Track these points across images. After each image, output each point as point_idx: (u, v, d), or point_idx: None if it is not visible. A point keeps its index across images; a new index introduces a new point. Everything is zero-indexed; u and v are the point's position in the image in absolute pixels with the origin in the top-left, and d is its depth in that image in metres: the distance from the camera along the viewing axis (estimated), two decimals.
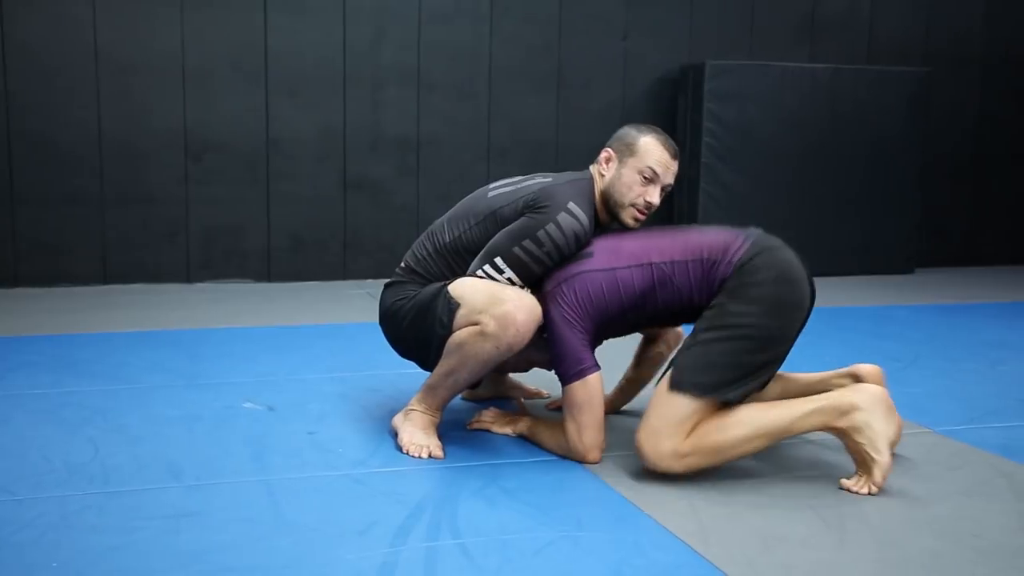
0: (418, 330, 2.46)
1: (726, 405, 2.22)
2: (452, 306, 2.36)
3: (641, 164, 2.45)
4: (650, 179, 2.45)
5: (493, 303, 2.29)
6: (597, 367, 2.35)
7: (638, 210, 2.47)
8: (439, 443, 2.43)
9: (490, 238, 2.44)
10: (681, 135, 5.83)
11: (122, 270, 5.19)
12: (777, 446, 2.51)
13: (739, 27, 6.05)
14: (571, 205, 2.39)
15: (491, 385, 2.97)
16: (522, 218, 2.41)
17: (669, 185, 2.49)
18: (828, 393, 2.25)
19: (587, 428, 2.34)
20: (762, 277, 2.25)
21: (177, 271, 5.28)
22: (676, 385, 2.21)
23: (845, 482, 2.19)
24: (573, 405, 2.34)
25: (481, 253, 2.44)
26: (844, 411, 2.17)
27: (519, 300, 2.29)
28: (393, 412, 2.75)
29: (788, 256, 2.32)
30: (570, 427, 2.35)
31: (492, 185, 2.59)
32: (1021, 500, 2.14)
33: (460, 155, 5.67)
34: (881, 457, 2.14)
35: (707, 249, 2.31)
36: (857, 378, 2.51)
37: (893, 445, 2.22)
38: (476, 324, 2.31)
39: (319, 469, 2.28)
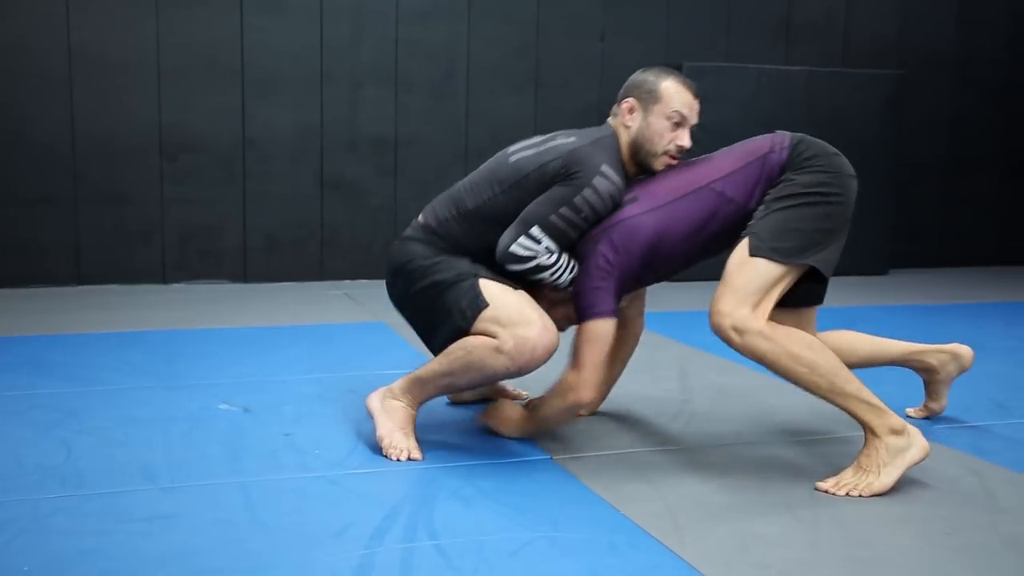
0: (433, 304, 2.40)
1: (805, 272, 2.26)
2: (480, 303, 2.32)
3: (668, 109, 2.43)
4: (679, 123, 2.44)
5: (520, 323, 2.28)
6: (615, 316, 2.35)
7: (671, 156, 2.45)
8: (417, 444, 2.42)
9: (518, 206, 2.39)
10: None
11: (96, 270, 5.15)
12: (752, 446, 2.53)
13: (716, 29, 6.08)
14: (604, 168, 2.35)
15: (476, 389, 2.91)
16: (556, 186, 2.36)
17: (694, 126, 2.48)
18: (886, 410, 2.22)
19: (588, 365, 2.33)
20: (818, 150, 2.34)
21: (152, 272, 5.24)
22: (756, 250, 2.23)
23: (822, 484, 2.21)
24: (581, 342, 2.34)
25: (516, 223, 2.37)
26: (895, 428, 2.18)
27: (543, 330, 2.29)
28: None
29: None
30: (571, 364, 2.34)
31: (512, 148, 2.51)
32: (992, 498, 2.17)
33: (437, 155, 5.67)
34: (888, 478, 2.17)
35: (754, 150, 2.37)
36: (955, 355, 2.71)
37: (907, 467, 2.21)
38: (494, 337, 2.29)
39: (295, 471, 2.27)
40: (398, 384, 2.49)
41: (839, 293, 5.38)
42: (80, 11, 4.96)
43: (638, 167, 2.48)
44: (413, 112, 5.60)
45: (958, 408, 2.92)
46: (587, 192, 2.33)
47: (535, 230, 2.34)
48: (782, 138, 2.39)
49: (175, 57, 5.14)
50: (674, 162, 2.46)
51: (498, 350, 2.28)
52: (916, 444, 2.19)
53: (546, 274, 2.38)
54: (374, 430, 2.44)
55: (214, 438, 2.51)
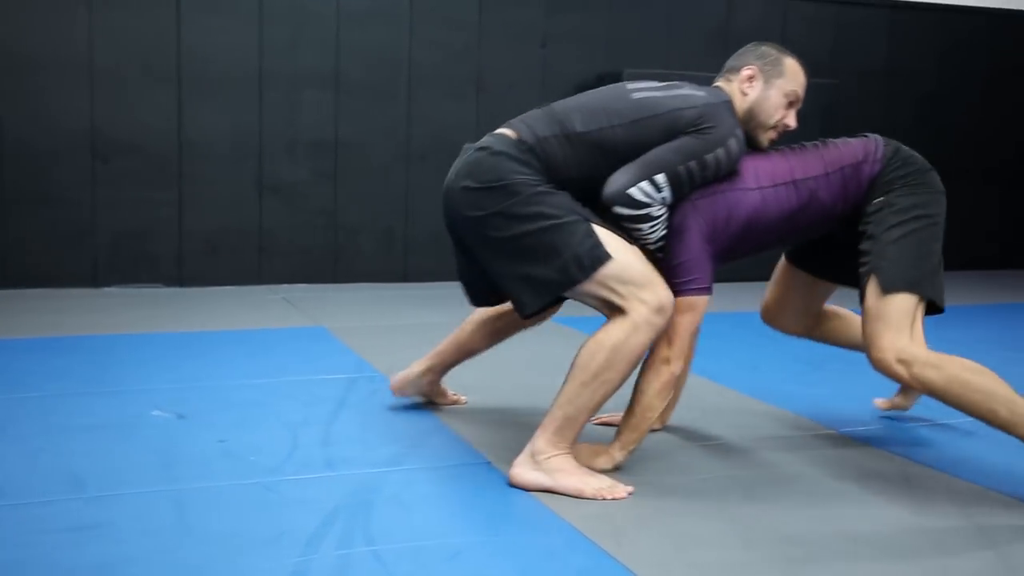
0: (533, 239, 2.15)
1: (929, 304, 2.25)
2: (602, 255, 2.13)
3: (788, 87, 2.40)
4: (792, 103, 2.42)
5: (649, 284, 2.14)
6: (711, 291, 2.29)
7: (777, 132, 2.42)
8: (612, 481, 2.20)
9: (635, 143, 2.22)
10: None
11: (24, 274, 5.00)
12: (689, 448, 2.56)
13: (655, 37, 6.15)
14: (738, 131, 2.27)
15: (414, 383, 2.86)
16: (686, 136, 2.22)
17: (800, 109, 2.46)
18: None
19: (683, 336, 2.24)
20: (917, 166, 2.35)
21: (83, 275, 5.11)
22: (891, 286, 2.21)
23: None
24: (675, 321, 2.22)
25: (638, 164, 2.20)
26: None
27: (668, 289, 2.18)
28: (307, 418, 2.72)
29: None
30: (662, 342, 2.24)
31: (631, 86, 2.36)
32: (918, 498, 2.22)
33: (379, 159, 5.63)
34: None
35: (847, 157, 2.37)
36: None
37: None
38: (616, 305, 2.13)
39: (229, 478, 2.23)
40: (541, 440, 2.21)
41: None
42: (5, 7, 4.83)
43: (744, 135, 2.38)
44: (354, 115, 5.56)
45: (869, 409, 2.99)
46: (720, 151, 2.23)
47: (660, 177, 2.19)
48: (875, 147, 2.39)
49: (108, 56, 5.03)
50: (777, 139, 2.44)
51: (636, 326, 2.12)
52: None
53: (646, 226, 2.23)
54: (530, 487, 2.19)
55: (146, 445, 2.46)
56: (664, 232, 2.28)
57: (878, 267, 2.25)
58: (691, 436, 2.68)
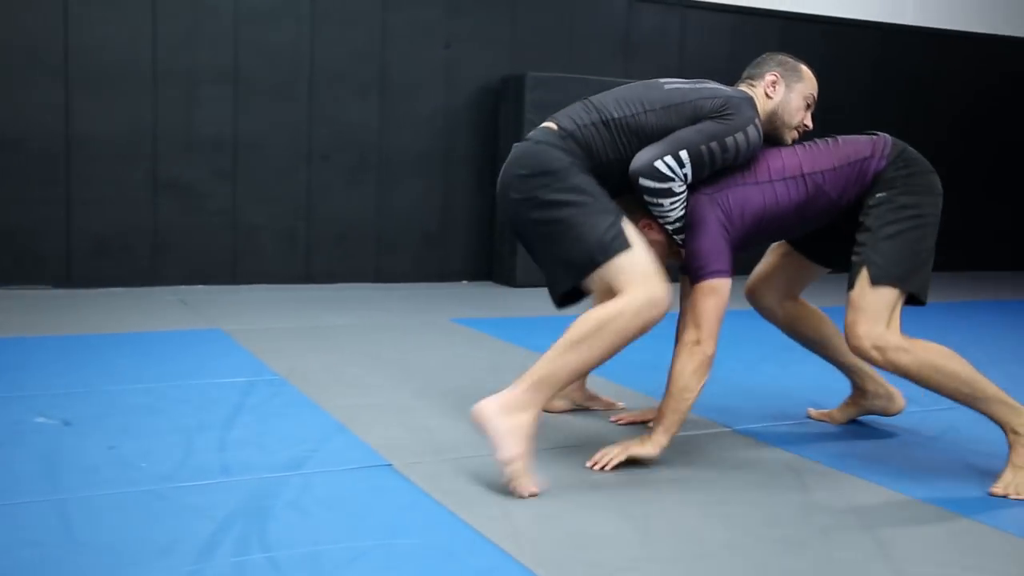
0: (570, 221, 2.33)
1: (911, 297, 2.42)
2: (622, 243, 2.31)
3: (807, 91, 2.63)
4: (809, 105, 2.64)
5: (653, 276, 2.31)
6: (730, 276, 2.43)
7: (798, 132, 2.62)
8: (531, 480, 2.22)
9: (664, 126, 2.42)
10: (503, 144, 5.92)
11: None
12: (589, 448, 2.59)
13: (558, 41, 6.22)
14: (756, 120, 2.47)
15: (569, 396, 2.94)
16: (709, 120, 2.42)
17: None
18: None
19: (710, 319, 2.38)
20: (919, 168, 2.50)
21: None
22: (877, 279, 2.37)
23: (996, 490, 2.30)
24: (699, 297, 2.40)
25: (665, 141, 2.40)
26: None
27: (667, 289, 2.32)
28: (203, 423, 2.66)
29: None
30: (688, 322, 2.41)
31: (663, 80, 2.56)
32: (807, 493, 2.30)
33: (280, 158, 5.54)
34: None
35: (855, 152, 2.52)
36: (890, 396, 2.88)
37: None
38: (619, 289, 2.29)
39: (119, 485, 2.16)
40: (520, 391, 2.24)
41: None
42: None
43: (765, 136, 2.57)
44: (254, 114, 5.45)
45: (780, 409, 3.08)
46: (739, 136, 2.42)
47: (684, 154, 2.38)
48: (883, 144, 2.53)
49: None
50: (797, 137, 2.62)
51: (626, 309, 2.27)
52: None
53: (667, 202, 2.41)
54: (490, 449, 2.21)
55: (28, 453, 2.35)
56: (683, 213, 2.44)
57: (870, 260, 2.41)
58: (590, 435, 2.71)
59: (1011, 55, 7.87)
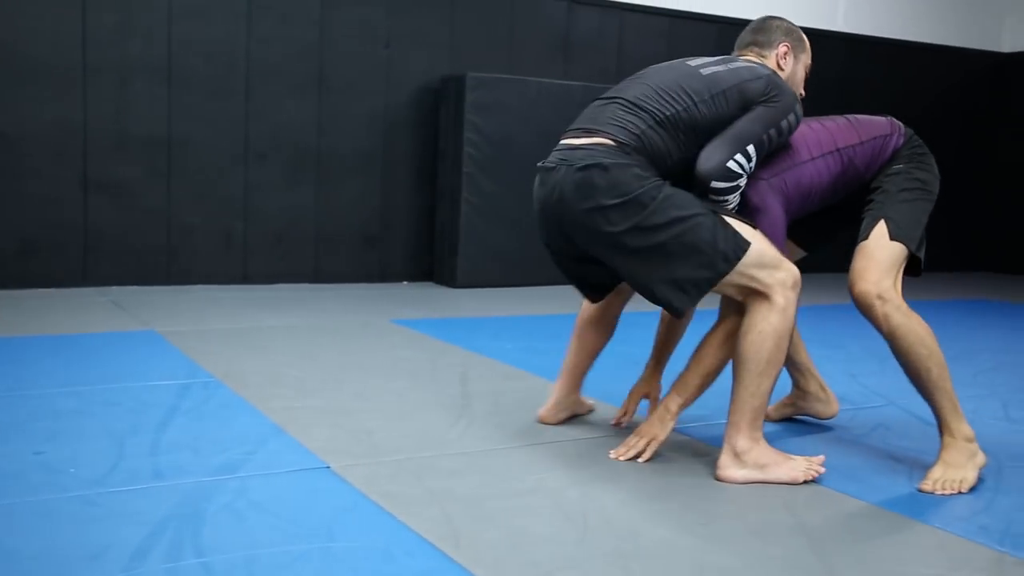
0: (673, 241, 2.25)
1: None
2: (742, 243, 2.28)
3: (807, 60, 2.65)
4: (807, 75, 2.66)
5: (780, 263, 2.32)
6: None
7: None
8: (806, 459, 2.41)
9: (718, 117, 2.36)
10: (443, 145, 5.91)
11: None
12: (529, 448, 2.60)
13: (498, 42, 6.23)
14: (796, 97, 2.46)
15: (570, 408, 2.86)
16: (760, 107, 2.38)
17: None
18: None
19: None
20: (926, 151, 2.57)
21: None
22: (896, 235, 2.41)
23: (925, 487, 2.35)
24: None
25: (727, 139, 2.34)
26: (968, 436, 2.41)
27: (791, 262, 2.36)
28: (135, 426, 2.60)
29: None
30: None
31: (692, 63, 2.48)
32: (740, 487, 2.33)
33: (216, 157, 5.45)
34: (972, 476, 2.37)
35: (878, 128, 2.56)
36: (828, 400, 2.92)
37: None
38: (758, 289, 2.29)
39: (46, 492, 2.10)
40: (742, 439, 2.36)
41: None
42: None
43: None
44: (189, 111, 5.35)
45: (710, 407, 3.13)
46: (791, 118, 2.41)
47: (751, 148, 2.35)
48: (898, 124, 2.60)
49: None
50: None
51: (784, 309, 2.29)
52: (980, 453, 2.42)
53: (732, 197, 2.38)
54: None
55: None
56: (733, 207, 2.42)
57: (889, 216, 2.45)
58: (528, 435, 2.72)
59: (937, 63, 8.11)
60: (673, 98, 2.37)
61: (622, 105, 2.38)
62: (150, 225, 5.30)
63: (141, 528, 1.91)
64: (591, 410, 2.97)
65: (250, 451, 2.46)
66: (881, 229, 2.45)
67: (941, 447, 2.42)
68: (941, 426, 2.43)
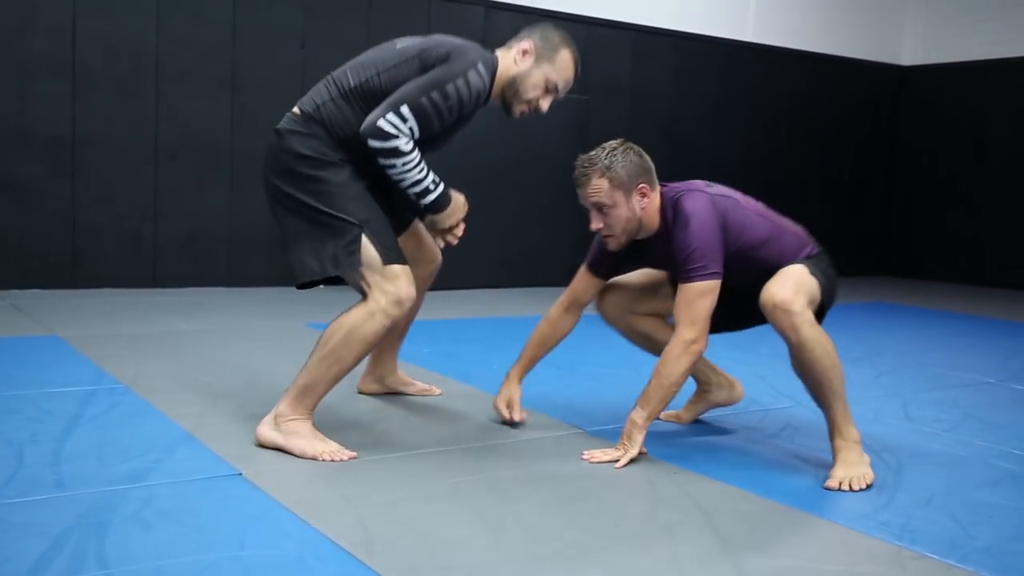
0: (310, 223, 2.47)
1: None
2: (354, 263, 2.41)
3: (554, 75, 2.62)
4: (551, 91, 2.63)
5: (397, 277, 2.42)
6: (721, 276, 2.50)
7: (529, 108, 2.63)
8: (338, 446, 2.47)
9: (396, 84, 2.45)
10: None
11: None
12: (445, 453, 2.59)
13: None
14: (479, 65, 2.48)
15: (379, 380, 3.05)
16: (432, 70, 2.45)
17: (557, 97, 2.69)
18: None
19: (703, 318, 2.47)
20: (833, 269, 2.69)
21: None
22: (812, 273, 2.54)
23: (831, 485, 2.43)
24: (692, 296, 2.47)
25: (386, 101, 2.42)
26: (857, 439, 2.52)
27: (409, 283, 2.44)
28: (36, 435, 2.51)
29: None
30: (682, 321, 2.48)
31: (398, 40, 2.59)
32: (654, 491, 2.37)
33: (124, 157, 5.29)
34: (869, 472, 2.47)
35: (801, 232, 2.69)
36: (731, 385, 3.02)
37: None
38: (364, 293, 2.41)
39: None
40: (284, 405, 2.48)
41: (527, 302, 5.68)
42: None
43: (501, 100, 2.63)
44: (95, 110, 5.19)
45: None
46: (459, 82, 2.44)
47: (404, 109, 2.40)
48: (811, 242, 2.71)
49: None
50: (525, 115, 2.64)
51: (372, 313, 2.40)
52: (866, 454, 2.55)
53: (399, 162, 2.42)
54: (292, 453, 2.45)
55: None
56: (422, 177, 2.47)
57: (806, 264, 2.58)
58: (446, 440, 2.72)
59: (841, 74, 8.39)
60: (360, 71, 2.53)
61: (325, 80, 2.59)
62: (54, 226, 5.12)
63: (41, 540, 1.84)
64: (424, 392, 3.17)
65: (158, 459, 2.39)
66: (800, 266, 2.56)
67: (836, 450, 2.52)
68: (833, 430, 2.53)
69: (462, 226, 2.66)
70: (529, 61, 2.60)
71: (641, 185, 2.57)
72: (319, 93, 2.55)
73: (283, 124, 2.55)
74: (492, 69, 2.56)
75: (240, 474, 2.31)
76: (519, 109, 2.62)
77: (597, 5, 6.87)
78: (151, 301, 4.96)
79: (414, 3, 6.16)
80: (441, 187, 2.54)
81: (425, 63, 2.48)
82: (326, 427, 2.62)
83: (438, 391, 3.20)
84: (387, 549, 1.91)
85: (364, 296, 2.46)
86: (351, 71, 2.54)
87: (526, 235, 6.37)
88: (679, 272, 2.53)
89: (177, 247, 5.50)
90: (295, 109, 2.56)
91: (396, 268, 2.44)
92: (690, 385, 3.11)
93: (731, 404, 3.05)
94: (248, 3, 5.58)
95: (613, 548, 1.99)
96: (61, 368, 3.32)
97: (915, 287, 7.95)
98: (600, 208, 2.59)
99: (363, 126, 2.42)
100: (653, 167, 2.62)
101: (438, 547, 1.94)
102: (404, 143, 2.41)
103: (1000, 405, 3.55)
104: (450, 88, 2.43)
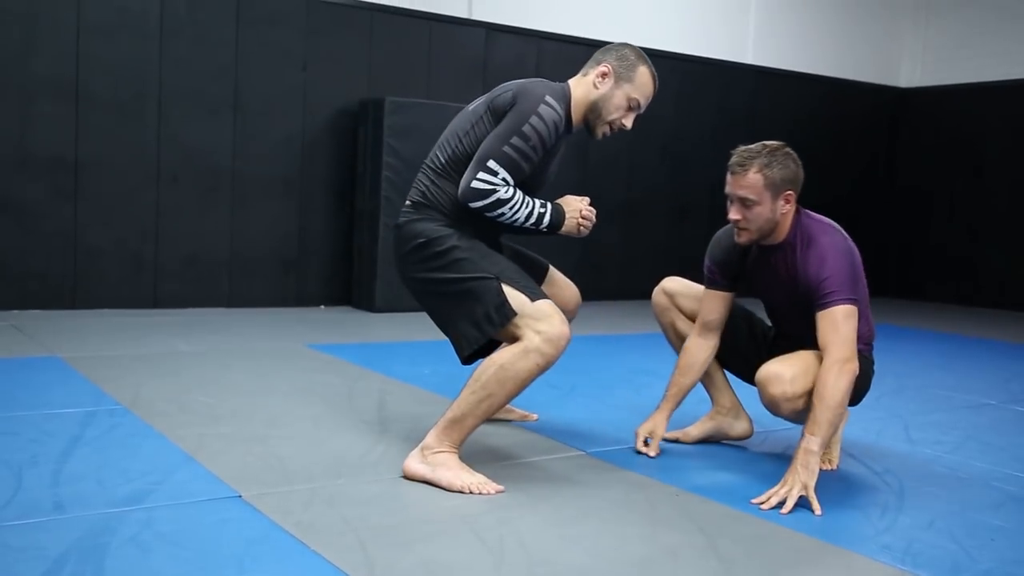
0: (454, 298, 2.49)
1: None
2: (508, 313, 2.39)
3: (635, 93, 2.64)
4: (633, 109, 2.66)
5: (542, 318, 2.38)
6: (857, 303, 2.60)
7: (612, 130, 2.66)
8: (485, 478, 2.44)
9: (481, 142, 2.50)
10: (362, 168, 5.88)
11: None
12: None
13: (417, 66, 6.24)
14: (548, 98, 2.50)
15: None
16: (505, 119, 2.48)
17: (640, 114, 2.72)
18: None
19: (851, 339, 2.51)
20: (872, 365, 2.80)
21: None
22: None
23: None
24: (843, 327, 2.51)
25: (472, 162, 2.48)
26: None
27: (562, 321, 2.40)
28: (35, 457, 2.51)
29: None
30: (836, 346, 2.49)
31: (470, 105, 2.66)
32: (656, 514, 2.36)
33: (126, 179, 5.31)
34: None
35: (872, 326, 2.78)
36: (745, 422, 3.06)
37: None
38: (518, 337, 2.38)
39: None
40: (431, 437, 2.48)
41: None
42: None
43: (584, 123, 2.67)
44: (97, 132, 5.21)
45: (632, 431, 3.17)
46: (534, 119, 2.47)
47: (491, 163, 2.45)
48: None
49: None
50: (609, 134, 2.69)
51: (526, 351, 2.37)
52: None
53: (506, 210, 2.48)
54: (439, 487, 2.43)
55: None
56: (531, 209, 2.54)
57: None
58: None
59: (840, 95, 8.43)
60: (445, 147, 2.62)
61: (422, 168, 2.68)
62: (55, 247, 5.13)
63: (39, 564, 1.83)
64: (523, 418, 3.15)
65: (157, 481, 2.38)
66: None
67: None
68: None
69: (586, 209, 2.68)
70: (609, 83, 2.64)
71: (788, 192, 2.62)
72: (420, 181, 2.64)
73: (400, 219, 2.65)
74: (563, 98, 2.58)
75: (239, 496, 2.30)
76: (602, 131, 2.67)
77: (596, 28, 6.91)
78: (151, 322, 4.96)
79: (415, 25, 6.19)
80: (549, 207, 2.60)
81: (496, 114, 2.53)
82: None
83: (535, 416, 3.18)
84: (387, 572, 1.90)
85: (515, 339, 2.43)
86: (439, 150, 2.62)
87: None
88: (815, 298, 2.57)
89: (178, 268, 5.50)
90: (406, 202, 2.66)
91: (545, 307, 2.42)
92: (700, 399, 3.10)
93: (734, 438, 3.05)
94: (250, 25, 5.61)
95: (614, 571, 1.98)
96: (61, 389, 3.31)
97: (914, 309, 7.95)
98: (745, 201, 2.62)
99: (459, 193, 2.49)
100: (803, 178, 2.67)
101: (438, 570, 1.93)
102: (503, 192, 2.47)
103: (1001, 427, 3.55)
104: (527, 129, 2.47)
